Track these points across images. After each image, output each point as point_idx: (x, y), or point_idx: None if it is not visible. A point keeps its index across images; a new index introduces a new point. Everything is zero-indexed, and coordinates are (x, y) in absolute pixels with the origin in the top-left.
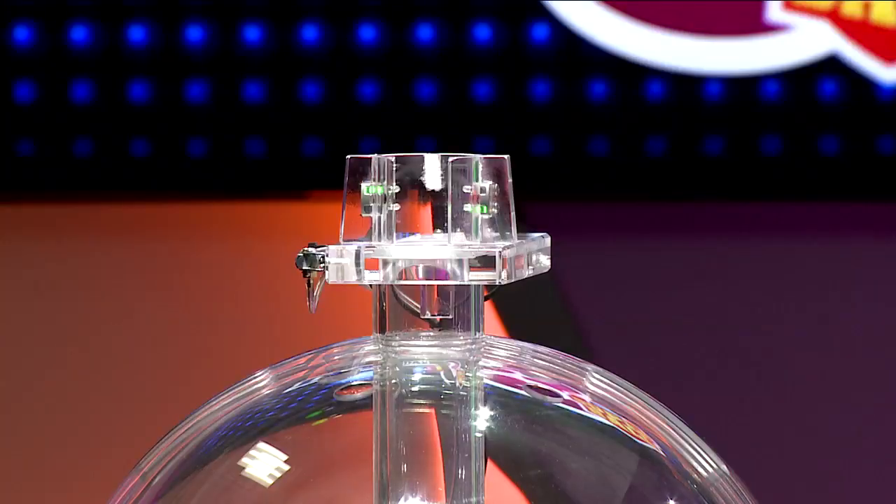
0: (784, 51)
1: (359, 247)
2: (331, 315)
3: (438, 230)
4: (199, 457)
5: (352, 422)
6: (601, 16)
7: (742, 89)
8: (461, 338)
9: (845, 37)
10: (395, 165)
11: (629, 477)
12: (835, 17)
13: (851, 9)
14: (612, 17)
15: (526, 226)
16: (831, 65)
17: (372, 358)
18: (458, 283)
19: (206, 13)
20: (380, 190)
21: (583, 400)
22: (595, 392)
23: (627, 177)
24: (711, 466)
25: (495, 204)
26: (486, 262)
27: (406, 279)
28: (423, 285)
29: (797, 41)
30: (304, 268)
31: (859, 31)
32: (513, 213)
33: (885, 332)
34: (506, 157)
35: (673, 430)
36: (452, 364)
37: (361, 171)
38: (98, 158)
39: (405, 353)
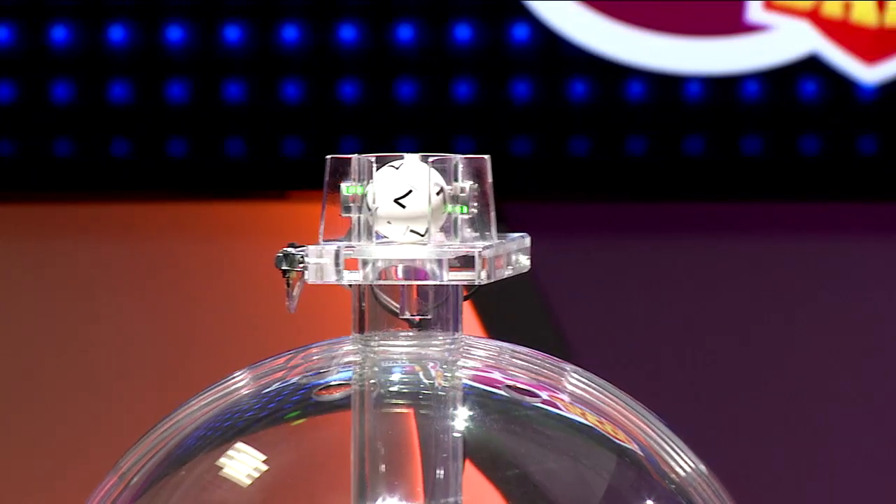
0: (764, 51)
1: (338, 247)
2: (310, 315)
3: None
4: (177, 457)
5: (330, 422)
6: (581, 16)
7: (722, 89)
8: (440, 338)
9: (826, 37)
10: (375, 165)
11: (607, 477)
12: (815, 17)
13: (832, 9)
14: (592, 16)
15: (506, 226)
16: (812, 65)
17: (351, 358)
18: (437, 283)
19: (186, 13)
20: (360, 190)
21: (561, 400)
22: (574, 392)
23: (608, 177)
24: (690, 466)
25: (475, 204)
26: (466, 262)
27: (385, 279)
28: (403, 285)
29: (777, 41)
30: (283, 268)
31: (840, 31)
32: (493, 213)
33: (867, 332)
34: (486, 157)
35: (652, 430)
36: (431, 364)
37: (341, 171)
38: (78, 158)
39: (384, 353)
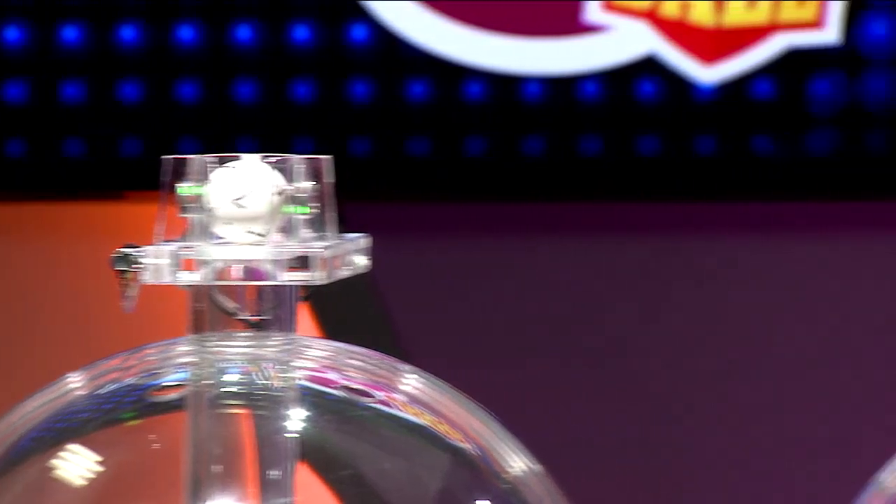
0: (602, 51)
1: (175, 247)
2: (147, 316)
3: None
4: (10, 459)
5: (165, 423)
6: (420, 16)
7: (561, 89)
8: (277, 338)
9: (664, 37)
10: (213, 166)
11: (442, 476)
12: (653, 17)
13: (669, 9)
14: (430, 17)
15: (346, 226)
16: (649, 65)
17: (187, 359)
18: (274, 283)
19: (23, 13)
20: (197, 190)
21: (397, 400)
22: (410, 392)
23: (447, 177)
24: (524, 466)
25: (314, 204)
26: (304, 262)
27: (223, 279)
28: (240, 286)
29: (615, 41)
30: (119, 268)
31: (677, 31)
32: (332, 214)
33: (705, 331)
34: (324, 157)
35: (487, 430)
36: (267, 365)
37: (179, 172)
38: None
39: (220, 353)
